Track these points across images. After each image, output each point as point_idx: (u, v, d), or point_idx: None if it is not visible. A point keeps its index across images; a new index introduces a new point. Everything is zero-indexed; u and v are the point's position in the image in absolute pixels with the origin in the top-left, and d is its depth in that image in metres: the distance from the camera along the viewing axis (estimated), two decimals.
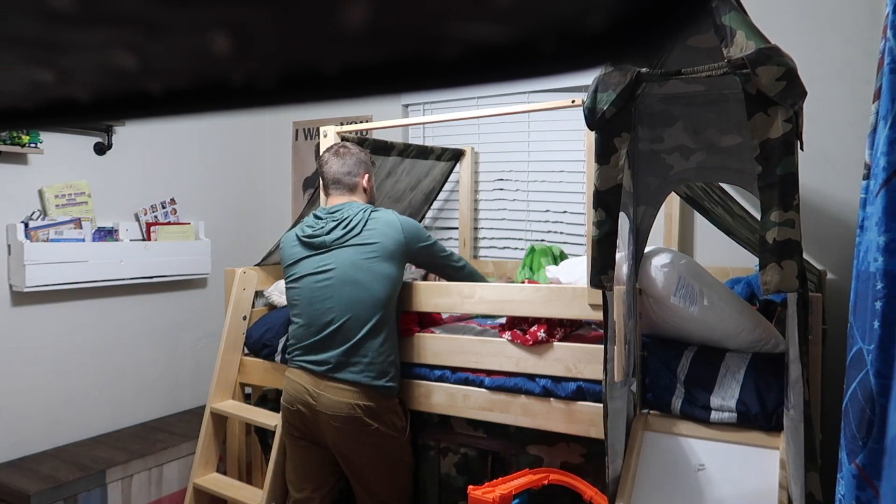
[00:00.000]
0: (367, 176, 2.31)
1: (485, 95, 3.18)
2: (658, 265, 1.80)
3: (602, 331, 2.10)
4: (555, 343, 2.05)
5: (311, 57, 0.21)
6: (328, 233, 2.17)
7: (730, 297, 1.82)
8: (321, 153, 2.36)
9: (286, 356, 2.30)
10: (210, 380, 2.72)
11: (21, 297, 2.82)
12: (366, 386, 2.11)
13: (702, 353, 1.86)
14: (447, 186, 3.42)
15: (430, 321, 2.47)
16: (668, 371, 1.85)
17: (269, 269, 2.88)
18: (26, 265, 2.71)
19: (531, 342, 2.05)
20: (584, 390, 2.00)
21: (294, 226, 2.44)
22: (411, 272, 2.91)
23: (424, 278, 2.86)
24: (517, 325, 2.14)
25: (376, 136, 3.21)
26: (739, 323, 1.80)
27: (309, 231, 2.23)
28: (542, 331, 2.04)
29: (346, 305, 2.11)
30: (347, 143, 2.36)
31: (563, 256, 2.81)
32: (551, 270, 2.41)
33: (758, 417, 1.71)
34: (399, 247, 2.17)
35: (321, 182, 2.34)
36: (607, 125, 1.50)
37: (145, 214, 3.27)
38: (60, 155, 2.96)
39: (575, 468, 2.07)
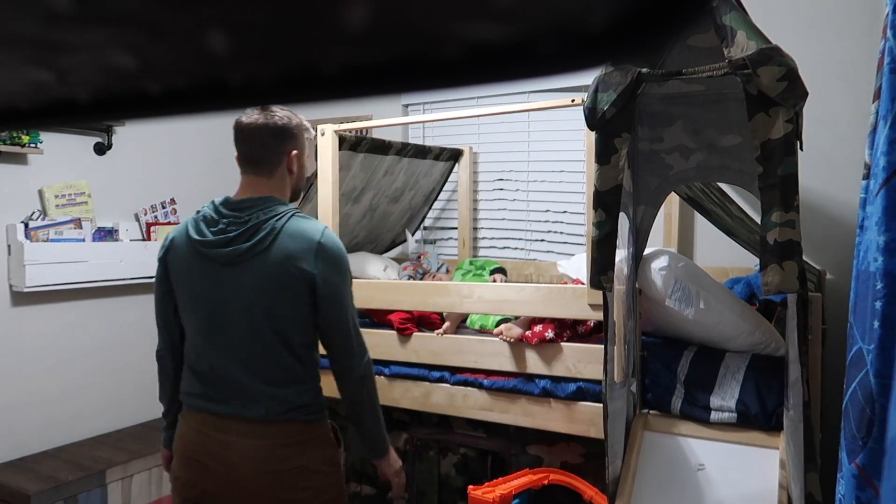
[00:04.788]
0: (295, 153, 1.60)
1: (484, 95, 3.18)
2: (656, 268, 1.80)
3: (593, 324, 2.11)
4: (555, 343, 2.05)
5: (311, 56, 0.21)
6: (227, 244, 1.54)
7: (729, 300, 1.82)
8: (238, 117, 1.61)
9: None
10: None
11: (21, 297, 2.82)
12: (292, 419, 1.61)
13: (702, 354, 1.86)
14: (448, 187, 3.42)
15: (429, 324, 2.47)
16: (668, 371, 1.85)
17: None
18: (26, 265, 2.71)
19: (534, 340, 2.05)
20: (584, 390, 2.00)
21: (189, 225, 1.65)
22: (407, 272, 2.91)
23: (422, 278, 2.86)
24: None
25: (376, 135, 3.21)
26: (738, 326, 1.80)
27: (209, 235, 1.57)
28: (549, 331, 2.04)
29: (246, 354, 1.57)
30: (275, 108, 1.58)
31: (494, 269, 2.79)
32: (562, 266, 2.42)
33: (758, 417, 1.71)
34: (304, 276, 1.54)
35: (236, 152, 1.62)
36: (607, 125, 1.50)
37: (145, 214, 3.27)
38: (60, 155, 2.96)
39: (575, 468, 2.07)
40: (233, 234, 1.54)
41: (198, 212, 1.64)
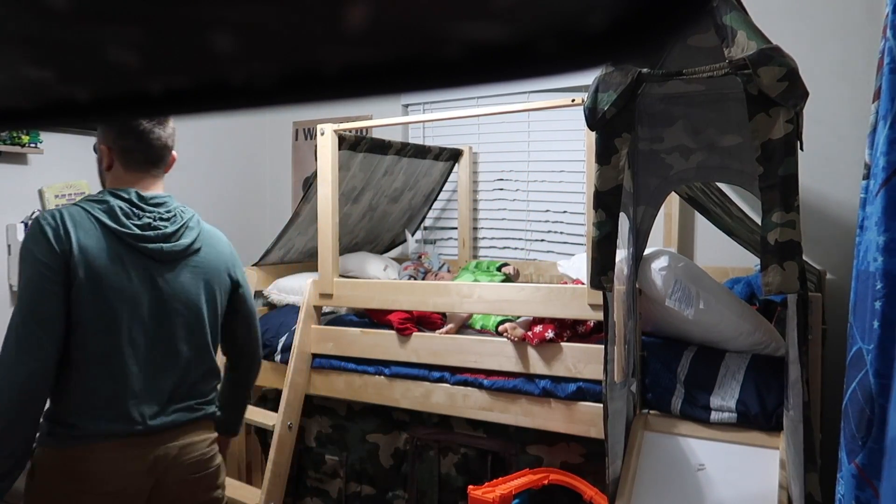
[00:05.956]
0: (175, 155, 1.62)
1: (484, 95, 3.18)
2: (656, 268, 1.80)
3: (593, 324, 2.11)
4: (555, 343, 2.05)
5: (312, 57, 0.21)
6: (165, 239, 1.51)
7: (729, 301, 1.82)
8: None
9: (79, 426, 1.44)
10: None
11: None
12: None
13: (702, 354, 1.86)
14: (448, 187, 3.42)
15: (429, 324, 2.47)
16: (668, 371, 1.85)
17: (269, 268, 2.88)
18: None
19: (534, 341, 2.05)
20: (584, 390, 2.00)
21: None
22: (408, 272, 2.91)
23: (423, 277, 2.86)
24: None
25: (376, 135, 3.21)
26: (738, 326, 1.80)
27: (135, 228, 1.48)
28: (549, 331, 2.04)
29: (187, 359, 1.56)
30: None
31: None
32: (562, 266, 2.42)
33: (758, 417, 1.71)
34: (230, 278, 1.66)
35: (124, 152, 1.53)
36: (608, 125, 1.50)
37: None
38: (60, 155, 2.95)
39: (575, 468, 2.07)
40: (170, 230, 1.52)
41: (92, 200, 1.47)
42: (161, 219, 1.52)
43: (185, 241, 1.53)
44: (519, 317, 2.24)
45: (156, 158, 1.55)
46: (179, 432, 1.54)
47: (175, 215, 1.54)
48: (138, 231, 1.46)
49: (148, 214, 1.50)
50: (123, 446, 1.44)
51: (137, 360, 1.46)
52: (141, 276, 1.46)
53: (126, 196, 1.48)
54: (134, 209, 1.48)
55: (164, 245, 1.49)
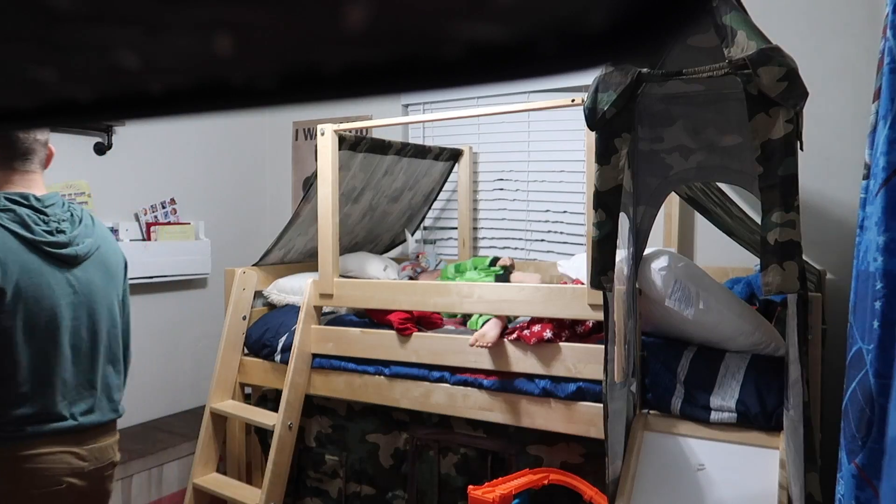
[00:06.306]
0: (51, 148, 1.60)
1: (484, 95, 3.18)
2: (655, 268, 1.80)
3: (592, 325, 2.11)
4: (554, 343, 2.05)
5: (312, 57, 0.21)
6: (71, 242, 1.52)
7: (729, 301, 1.82)
8: None
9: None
10: (210, 380, 2.71)
11: None
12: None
13: (702, 354, 1.86)
14: (448, 187, 3.42)
15: (429, 324, 2.47)
16: (668, 371, 1.85)
17: (269, 269, 2.88)
18: None
19: (532, 340, 2.05)
20: (584, 390, 2.00)
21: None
22: (406, 272, 2.91)
23: (418, 276, 2.86)
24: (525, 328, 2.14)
25: (376, 135, 3.21)
26: (737, 326, 1.80)
27: (44, 235, 1.48)
28: (547, 330, 2.04)
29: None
30: None
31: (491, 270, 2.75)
32: (562, 266, 2.42)
33: (758, 417, 1.71)
34: (122, 272, 1.70)
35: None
36: (608, 125, 1.50)
37: (145, 214, 3.27)
38: (60, 155, 2.94)
39: (575, 468, 2.07)
40: (74, 232, 1.53)
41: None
42: (62, 220, 1.52)
43: (90, 240, 1.55)
44: (517, 317, 2.24)
45: (24, 152, 1.50)
46: (102, 430, 1.62)
47: (73, 215, 1.55)
48: (49, 237, 1.48)
49: (52, 219, 1.50)
50: (59, 444, 1.50)
51: (65, 364, 1.52)
52: (59, 281, 1.50)
53: (27, 202, 1.48)
54: (39, 215, 1.48)
55: (77, 249, 1.52)
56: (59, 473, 1.50)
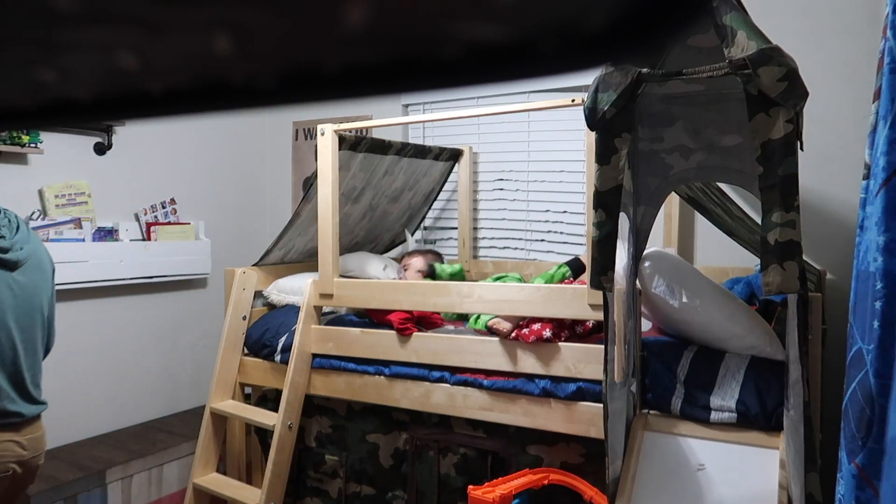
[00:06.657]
0: None
1: (485, 95, 3.18)
2: (645, 265, 1.83)
3: (591, 325, 2.11)
4: (554, 343, 2.05)
5: (312, 57, 0.21)
6: (13, 247, 1.62)
7: (721, 303, 1.82)
8: None
9: None
10: (210, 380, 2.72)
11: None
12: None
13: (702, 354, 1.86)
14: (448, 187, 3.42)
15: (430, 324, 2.47)
16: (668, 371, 1.86)
17: (269, 269, 2.88)
18: None
19: (530, 339, 2.05)
20: (584, 390, 2.00)
21: None
22: (402, 273, 2.91)
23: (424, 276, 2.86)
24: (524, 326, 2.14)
25: (376, 135, 3.21)
26: (728, 329, 1.80)
27: None
28: (547, 329, 2.04)
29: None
30: None
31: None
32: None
33: (758, 417, 1.71)
34: (51, 271, 1.81)
35: None
36: (608, 125, 1.50)
37: (145, 214, 3.27)
38: (60, 155, 2.95)
39: (575, 468, 2.07)
40: (15, 237, 1.63)
41: None
42: (2, 227, 1.61)
43: (28, 246, 1.65)
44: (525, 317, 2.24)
45: None
46: (36, 421, 1.77)
47: (10, 221, 1.64)
48: None
49: None
50: (5, 433, 1.68)
51: (7, 361, 1.66)
52: (2, 286, 1.61)
53: None
54: None
55: (18, 255, 1.62)
56: (6, 460, 1.70)
